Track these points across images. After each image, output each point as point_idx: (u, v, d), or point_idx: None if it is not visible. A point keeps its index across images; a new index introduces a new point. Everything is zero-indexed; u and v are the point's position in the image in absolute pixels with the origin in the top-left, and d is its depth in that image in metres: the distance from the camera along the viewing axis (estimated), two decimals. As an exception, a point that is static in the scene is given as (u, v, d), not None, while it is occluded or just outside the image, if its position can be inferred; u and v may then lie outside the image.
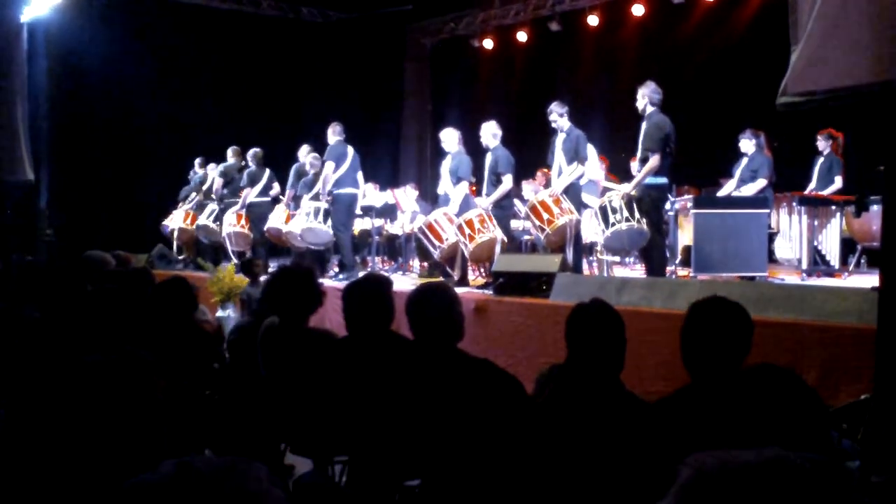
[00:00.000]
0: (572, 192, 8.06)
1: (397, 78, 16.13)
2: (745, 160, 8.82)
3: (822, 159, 9.04)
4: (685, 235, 9.13)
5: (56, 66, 13.25)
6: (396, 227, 11.52)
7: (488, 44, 14.94)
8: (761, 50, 10.87)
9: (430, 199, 12.62)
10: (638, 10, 12.53)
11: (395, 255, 12.26)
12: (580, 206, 8.12)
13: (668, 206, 8.26)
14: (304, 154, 10.81)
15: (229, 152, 11.70)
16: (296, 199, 10.63)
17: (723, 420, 2.40)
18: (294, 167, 10.96)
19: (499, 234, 8.29)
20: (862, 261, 8.77)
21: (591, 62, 13.48)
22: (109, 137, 13.67)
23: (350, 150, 9.72)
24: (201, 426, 3.51)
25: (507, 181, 8.41)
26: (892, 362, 3.52)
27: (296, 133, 12.99)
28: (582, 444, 2.66)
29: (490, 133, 8.64)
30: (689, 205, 8.56)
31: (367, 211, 10.56)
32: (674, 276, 8.23)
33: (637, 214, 7.48)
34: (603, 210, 7.70)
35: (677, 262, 8.76)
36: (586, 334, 2.83)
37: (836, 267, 8.28)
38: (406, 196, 11.78)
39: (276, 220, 10.73)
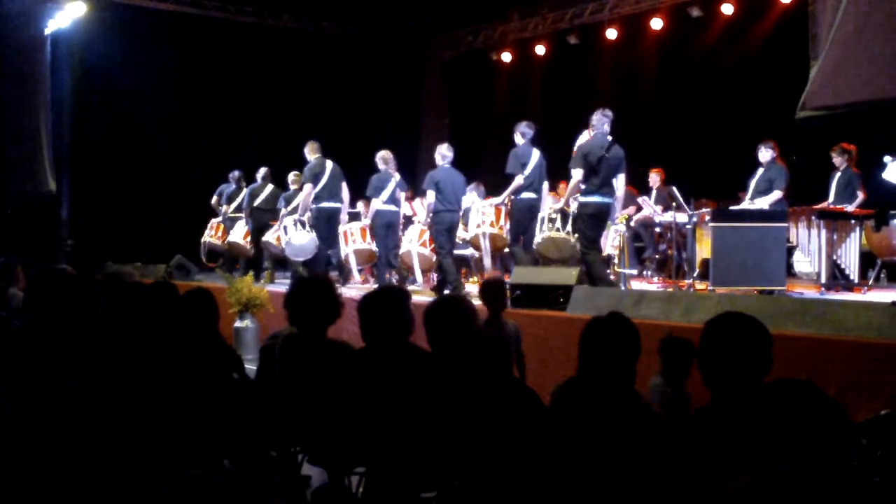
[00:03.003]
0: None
1: (416, 91, 16.19)
2: (760, 170, 8.81)
3: (838, 174, 8.99)
4: (703, 248, 9.10)
5: (79, 77, 13.42)
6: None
7: (507, 57, 14.97)
8: (780, 64, 10.87)
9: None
10: (656, 23, 12.53)
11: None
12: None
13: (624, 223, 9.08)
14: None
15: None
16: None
17: (748, 437, 2.39)
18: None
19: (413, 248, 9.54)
20: (882, 275, 8.71)
21: (609, 76, 13.48)
22: (130, 148, 13.78)
23: (329, 164, 10.01)
24: (220, 437, 3.52)
25: (430, 196, 9.06)
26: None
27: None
28: (600, 458, 2.66)
29: (439, 154, 9.24)
30: (708, 218, 8.54)
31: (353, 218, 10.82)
32: (692, 290, 8.20)
33: (569, 228, 8.15)
34: (542, 220, 8.48)
35: (695, 275, 8.73)
36: (601, 346, 2.82)
37: (856, 281, 8.22)
38: (423, 208, 11.80)
39: (236, 234, 11.85)
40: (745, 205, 8.78)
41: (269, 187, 11.99)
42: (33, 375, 3.45)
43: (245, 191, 12.18)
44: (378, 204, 9.66)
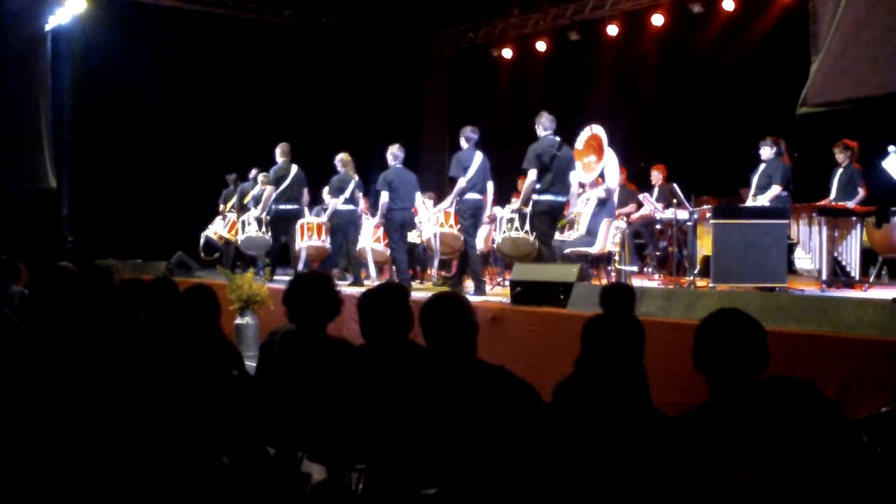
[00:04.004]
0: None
1: (417, 87, 16.18)
2: (762, 167, 8.80)
3: (840, 170, 8.98)
4: (704, 245, 9.09)
5: (79, 74, 13.42)
6: (414, 236, 11.56)
7: (507, 53, 14.97)
8: (781, 60, 10.86)
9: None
10: (657, 19, 12.52)
11: (413, 265, 12.28)
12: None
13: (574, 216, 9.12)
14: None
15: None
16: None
17: (743, 434, 2.39)
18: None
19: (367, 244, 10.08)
20: (883, 272, 8.70)
21: (610, 72, 13.47)
22: (131, 145, 13.79)
23: (293, 169, 10.83)
24: (220, 433, 3.53)
25: (383, 196, 9.44)
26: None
27: (316, 142, 13.05)
28: (599, 455, 2.66)
29: (391, 154, 9.64)
30: (709, 214, 8.53)
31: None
32: (692, 287, 8.20)
33: (527, 227, 8.39)
34: (501, 220, 8.74)
35: (696, 272, 8.72)
36: (604, 341, 2.82)
37: (857, 278, 8.21)
38: (425, 205, 11.81)
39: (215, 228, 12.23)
40: (749, 201, 8.78)
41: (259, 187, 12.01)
42: (33, 371, 3.45)
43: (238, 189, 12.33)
44: (338, 204, 10.19)
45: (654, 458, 2.57)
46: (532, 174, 8.13)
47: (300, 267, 10.43)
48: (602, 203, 8.73)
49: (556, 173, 8.09)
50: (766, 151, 8.77)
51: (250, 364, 4.47)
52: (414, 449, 2.99)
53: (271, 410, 3.79)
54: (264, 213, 10.95)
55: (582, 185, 9.18)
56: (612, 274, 9.16)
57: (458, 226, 9.25)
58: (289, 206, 10.81)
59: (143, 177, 13.79)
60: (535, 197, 8.19)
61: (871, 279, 8.32)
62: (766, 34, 11.50)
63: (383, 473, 3.12)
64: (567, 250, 8.72)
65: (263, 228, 11.04)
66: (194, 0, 14.02)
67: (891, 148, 7.43)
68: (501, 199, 12.31)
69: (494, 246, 8.85)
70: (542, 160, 8.06)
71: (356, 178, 10.37)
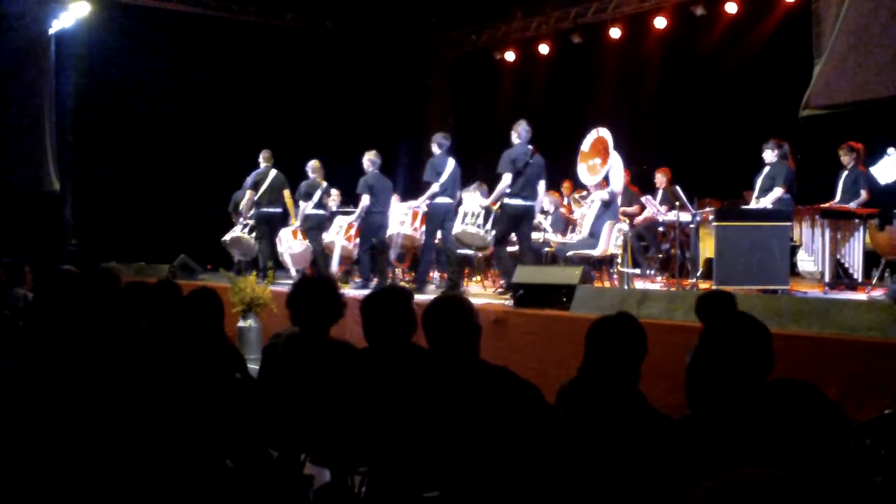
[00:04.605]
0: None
1: (420, 90, 16.20)
2: (766, 169, 8.80)
3: (846, 173, 8.97)
4: (707, 248, 9.09)
5: (83, 77, 13.44)
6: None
7: (510, 56, 14.98)
8: (784, 62, 10.85)
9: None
10: (660, 22, 12.53)
11: (415, 267, 12.28)
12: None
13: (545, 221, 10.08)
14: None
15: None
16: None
17: (745, 437, 2.39)
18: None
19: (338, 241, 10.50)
20: (886, 274, 8.69)
21: (613, 74, 13.48)
22: (134, 148, 13.80)
23: (272, 173, 11.35)
24: (223, 437, 3.53)
25: (365, 199, 9.89)
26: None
27: (319, 145, 13.07)
28: (603, 457, 2.66)
29: (368, 160, 10.08)
30: (711, 217, 8.53)
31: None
32: (695, 289, 8.20)
33: (489, 225, 8.81)
34: (464, 214, 9.10)
35: (699, 274, 8.72)
36: (608, 345, 2.83)
37: (860, 280, 8.20)
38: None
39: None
40: (752, 204, 8.77)
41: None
42: (37, 374, 3.46)
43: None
44: (308, 209, 10.73)
45: (657, 460, 2.57)
46: (507, 178, 8.49)
47: (293, 273, 10.76)
48: (606, 205, 8.74)
49: (527, 179, 8.50)
50: (770, 154, 8.76)
51: (253, 367, 4.48)
52: (417, 452, 2.99)
53: (274, 413, 3.79)
54: (248, 216, 11.52)
55: (586, 188, 9.19)
56: (615, 276, 9.17)
57: (423, 227, 9.71)
58: (270, 209, 11.28)
59: (145, 179, 13.81)
60: (505, 200, 8.58)
61: (874, 281, 8.31)
62: (768, 36, 11.50)
63: (386, 476, 3.12)
64: (570, 252, 8.73)
65: (247, 231, 11.53)
66: (197, 3, 14.04)
67: (890, 150, 7.42)
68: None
69: (453, 234, 9.18)
70: (517, 165, 8.47)
71: (325, 183, 10.90)
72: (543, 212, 11.10)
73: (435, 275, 10.99)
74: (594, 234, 8.70)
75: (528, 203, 8.62)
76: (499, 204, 8.85)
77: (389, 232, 10.08)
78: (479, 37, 15.40)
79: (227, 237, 11.70)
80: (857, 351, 4.86)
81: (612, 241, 8.74)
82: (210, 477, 3.14)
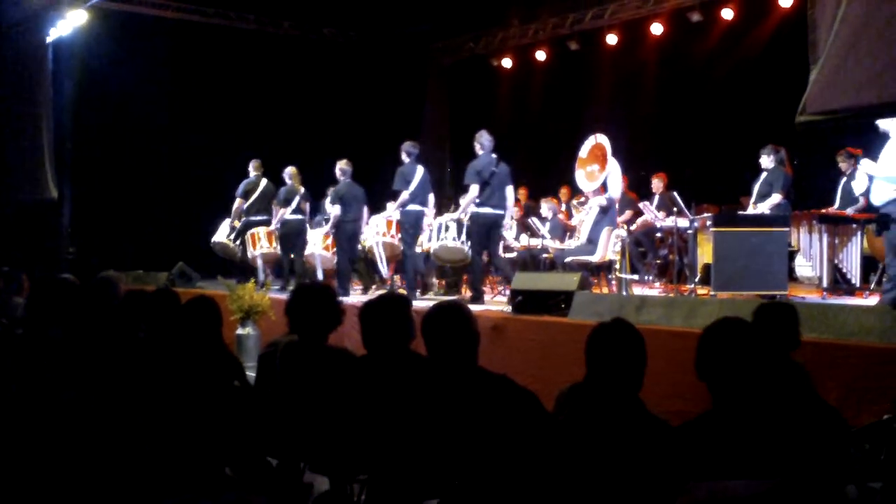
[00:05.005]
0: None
1: (417, 96, 16.22)
2: (763, 175, 8.81)
3: (844, 179, 8.99)
4: (705, 253, 9.09)
5: (80, 85, 13.45)
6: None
7: (507, 63, 14.99)
8: (781, 68, 10.87)
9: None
10: (657, 28, 12.55)
11: (400, 273, 12.28)
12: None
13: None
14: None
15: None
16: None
17: (744, 443, 2.39)
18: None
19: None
20: (884, 279, 8.69)
21: (610, 81, 13.50)
22: (132, 156, 13.81)
23: (263, 182, 11.77)
24: (222, 445, 3.53)
25: (336, 209, 10.12)
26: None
27: (317, 151, 13.08)
28: (602, 464, 2.66)
29: (339, 170, 10.29)
30: (709, 222, 8.54)
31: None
32: (693, 295, 8.20)
33: (463, 237, 8.90)
34: (440, 228, 9.28)
35: (697, 280, 8.73)
36: (607, 353, 2.83)
37: (858, 285, 8.21)
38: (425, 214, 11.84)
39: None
40: (749, 209, 8.78)
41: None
42: (33, 383, 3.46)
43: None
44: (286, 213, 10.96)
45: (656, 466, 2.57)
46: (474, 189, 8.68)
47: (260, 276, 11.03)
48: (604, 212, 8.75)
49: (494, 188, 8.71)
50: (766, 160, 8.76)
51: (251, 375, 4.47)
52: (416, 459, 2.99)
53: (273, 421, 3.79)
54: (235, 222, 11.88)
55: (584, 194, 9.20)
56: (613, 282, 9.17)
57: (399, 235, 9.83)
58: (259, 217, 11.59)
59: (143, 187, 13.81)
60: (474, 209, 8.78)
61: (872, 286, 8.32)
62: (765, 42, 11.52)
63: (385, 484, 3.12)
64: (568, 259, 8.74)
65: (233, 236, 11.86)
66: (195, 11, 14.05)
67: (863, 161, 7.47)
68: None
69: (431, 251, 9.36)
70: (483, 176, 8.68)
71: (302, 189, 11.12)
72: (541, 218, 11.13)
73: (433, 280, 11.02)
74: (592, 241, 8.70)
75: (498, 212, 8.82)
76: (468, 215, 9.00)
77: (369, 243, 10.34)
78: (476, 43, 15.41)
79: (213, 240, 12.08)
80: (856, 356, 4.86)
81: (610, 247, 8.74)
82: (208, 486, 3.14)
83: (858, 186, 8.69)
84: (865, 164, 7.33)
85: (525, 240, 11.13)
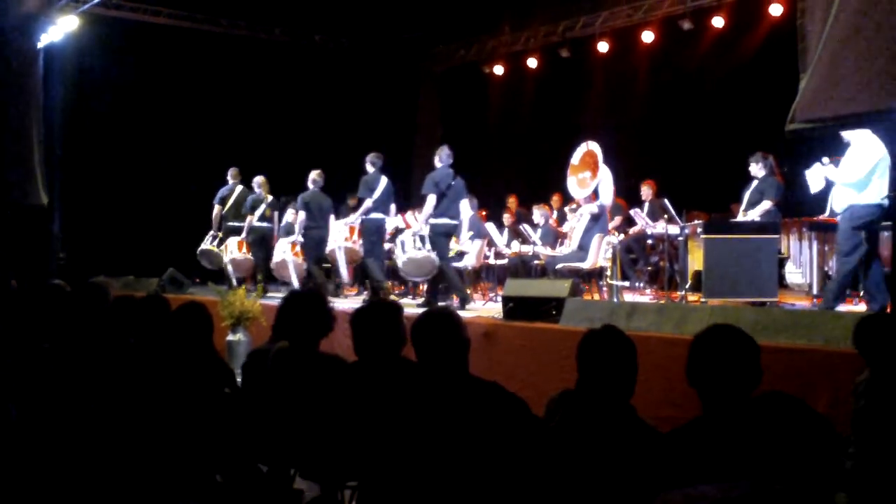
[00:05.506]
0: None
1: (409, 103, 16.23)
2: (754, 183, 8.84)
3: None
4: (695, 260, 9.12)
5: (71, 91, 13.41)
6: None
7: (499, 70, 15.04)
8: (771, 75, 10.90)
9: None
10: (648, 36, 12.60)
11: (405, 280, 12.29)
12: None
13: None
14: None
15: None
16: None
17: (733, 450, 2.40)
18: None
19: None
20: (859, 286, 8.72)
21: (600, 88, 13.55)
22: (123, 162, 13.76)
23: (238, 188, 12.22)
24: (212, 451, 3.52)
25: (301, 215, 10.66)
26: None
27: (310, 158, 13.07)
28: (593, 471, 2.66)
29: (310, 180, 10.76)
30: (700, 229, 8.56)
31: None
32: (684, 302, 8.22)
33: (428, 246, 9.12)
34: (402, 243, 9.42)
35: (687, 286, 8.75)
36: (598, 360, 2.84)
37: (848, 292, 8.23)
38: (416, 220, 11.85)
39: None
40: (740, 217, 8.81)
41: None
42: (27, 390, 3.45)
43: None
44: (253, 221, 11.54)
45: (646, 472, 2.58)
46: (431, 199, 8.99)
47: (234, 282, 11.38)
48: (595, 219, 8.77)
49: (451, 199, 9.08)
50: (756, 167, 8.79)
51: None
52: (406, 466, 2.99)
53: (264, 428, 3.78)
54: (213, 232, 12.24)
55: (575, 201, 9.23)
56: (604, 289, 9.19)
57: (360, 241, 10.27)
58: (236, 224, 12.01)
59: (134, 193, 13.76)
60: (432, 221, 9.10)
61: (862, 293, 8.34)
62: (755, 50, 11.58)
63: (376, 491, 3.11)
64: (559, 265, 8.75)
65: (216, 243, 12.22)
66: (187, 17, 14.05)
67: (824, 160, 7.59)
68: (494, 215, 12.36)
69: (399, 266, 9.56)
70: (440, 188, 9.00)
71: (270, 198, 11.68)
72: (533, 225, 11.15)
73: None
74: (583, 247, 8.72)
75: (454, 222, 9.26)
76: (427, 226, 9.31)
77: (331, 247, 10.68)
78: (468, 51, 15.45)
79: (199, 249, 12.32)
80: (846, 363, 4.87)
81: (601, 253, 8.76)
82: (199, 492, 3.14)
83: (815, 186, 8.70)
84: (828, 170, 7.51)
85: (516, 246, 11.15)
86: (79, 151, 13.52)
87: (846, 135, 7.31)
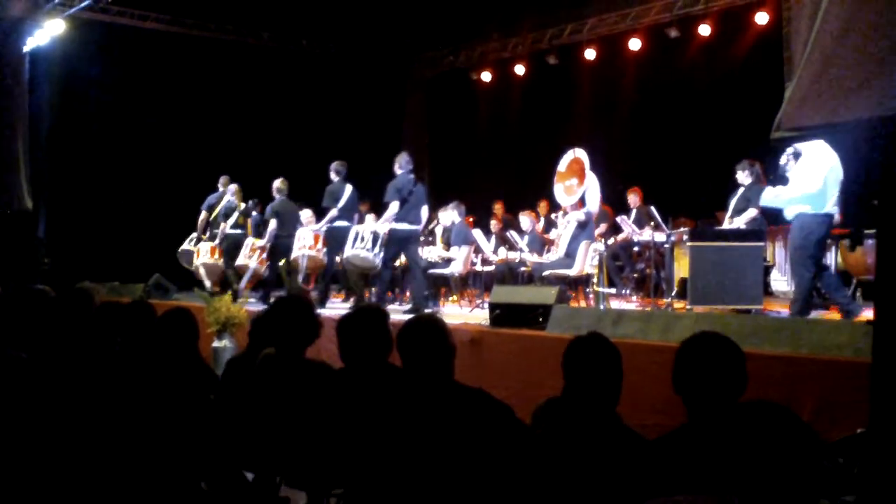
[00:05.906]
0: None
1: (397, 109, 16.24)
2: (740, 190, 8.87)
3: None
4: (681, 268, 9.15)
5: (57, 95, 13.35)
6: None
7: (486, 76, 15.07)
8: (757, 83, 10.99)
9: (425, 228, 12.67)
10: (635, 44, 12.66)
11: (392, 287, 12.27)
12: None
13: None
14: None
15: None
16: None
17: (719, 457, 2.41)
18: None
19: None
20: (857, 294, 8.78)
21: (587, 95, 13.60)
22: (109, 167, 13.70)
23: (227, 196, 12.01)
24: (197, 459, 3.50)
25: (272, 224, 10.91)
26: (887, 396, 3.52)
27: (297, 163, 13.05)
28: (579, 478, 2.66)
29: (275, 188, 11.03)
30: (686, 237, 8.59)
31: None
32: (670, 309, 8.24)
33: (377, 249, 9.41)
34: (356, 235, 9.63)
35: (673, 294, 8.78)
36: (584, 367, 2.85)
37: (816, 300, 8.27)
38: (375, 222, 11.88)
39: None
40: (726, 224, 8.84)
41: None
42: (11, 397, 3.42)
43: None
44: (226, 228, 11.60)
45: (631, 480, 2.58)
46: (394, 206, 9.17)
47: (207, 285, 11.53)
48: (582, 226, 8.78)
49: (411, 205, 9.26)
50: (742, 175, 8.82)
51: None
52: (392, 473, 2.98)
53: (249, 435, 3.76)
54: (203, 235, 12.24)
55: (562, 208, 9.25)
56: (591, 296, 9.21)
57: (325, 248, 10.45)
58: (231, 231, 11.88)
59: (120, 198, 13.70)
60: (392, 225, 9.26)
61: (825, 301, 8.38)
62: (742, 58, 11.65)
63: (361, 498, 3.10)
64: (546, 272, 8.76)
65: (193, 245, 12.27)
66: (174, 22, 14.01)
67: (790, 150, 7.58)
68: (481, 222, 12.37)
69: (345, 257, 9.73)
70: (402, 194, 9.19)
71: (243, 205, 11.74)
72: (520, 231, 11.16)
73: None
74: (570, 254, 8.73)
75: (414, 227, 9.42)
76: (387, 229, 9.50)
77: (295, 254, 10.79)
78: (455, 57, 15.49)
79: (179, 249, 12.43)
80: (830, 370, 4.89)
81: (587, 260, 8.78)
82: (183, 500, 3.12)
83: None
84: (766, 195, 7.50)
85: (503, 253, 11.16)
86: (64, 156, 13.46)
87: (799, 145, 7.27)
